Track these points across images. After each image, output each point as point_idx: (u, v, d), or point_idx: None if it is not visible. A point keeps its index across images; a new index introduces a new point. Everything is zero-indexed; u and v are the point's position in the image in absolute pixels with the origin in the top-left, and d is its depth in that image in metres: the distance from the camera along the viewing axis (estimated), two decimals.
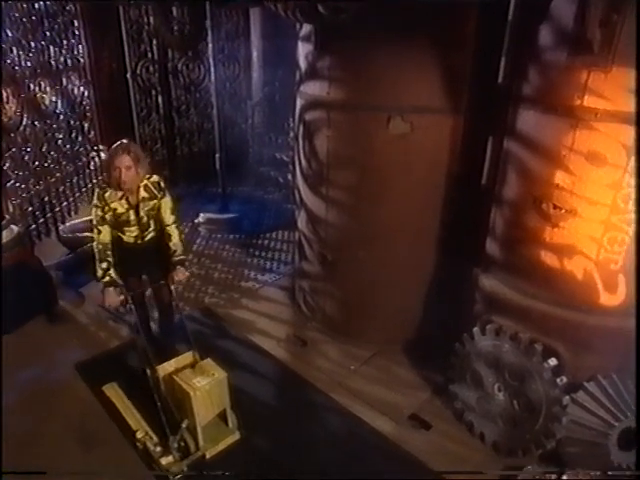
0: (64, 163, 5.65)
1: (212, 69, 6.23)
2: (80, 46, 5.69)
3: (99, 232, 3.11)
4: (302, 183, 3.98)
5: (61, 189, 5.64)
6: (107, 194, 3.04)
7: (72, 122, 5.77)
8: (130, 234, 3.23)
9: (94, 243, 3.15)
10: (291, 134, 6.00)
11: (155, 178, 3.17)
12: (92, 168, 6.06)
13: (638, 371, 2.70)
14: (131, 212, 3.12)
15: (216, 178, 6.57)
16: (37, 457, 2.93)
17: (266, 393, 3.50)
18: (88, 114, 5.98)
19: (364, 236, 3.66)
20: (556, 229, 2.74)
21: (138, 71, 6.22)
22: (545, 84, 2.67)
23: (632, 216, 2.55)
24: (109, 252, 3.13)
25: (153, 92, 6.44)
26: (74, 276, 4.82)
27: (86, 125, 5.99)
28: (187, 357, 3.04)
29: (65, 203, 5.75)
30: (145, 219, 3.19)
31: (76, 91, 5.81)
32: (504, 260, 3.10)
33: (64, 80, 5.60)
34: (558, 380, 2.79)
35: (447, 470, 2.84)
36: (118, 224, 3.16)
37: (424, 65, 3.17)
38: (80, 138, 5.93)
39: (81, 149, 5.95)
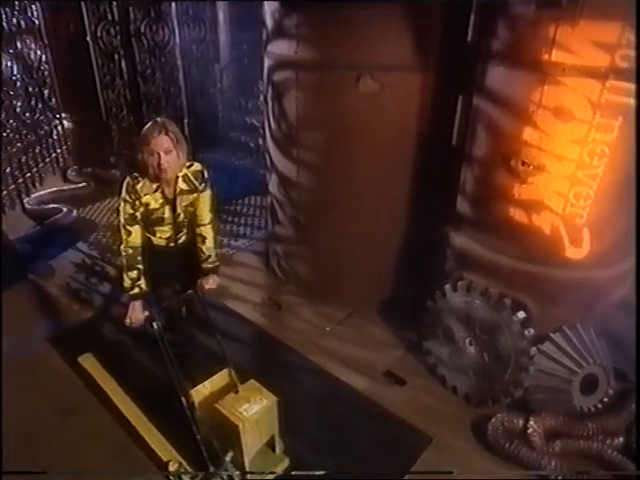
0: (24, 132, 5.45)
1: (177, 31, 6.02)
2: (33, 6, 5.39)
3: (129, 233, 2.58)
4: (272, 146, 3.92)
5: (23, 160, 5.45)
6: (139, 185, 2.50)
7: (30, 89, 5.53)
8: (162, 235, 2.75)
9: (121, 247, 2.62)
10: (261, 98, 5.89)
11: (197, 167, 2.65)
12: (55, 137, 5.86)
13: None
14: (166, 208, 2.63)
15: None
16: (16, 431, 2.89)
17: (243, 357, 3.52)
18: (47, 80, 5.74)
19: (336, 197, 3.66)
20: (524, 185, 2.77)
21: (98, 34, 5.91)
22: (513, 39, 2.65)
23: (597, 171, 2.61)
24: (140, 258, 2.63)
25: (116, 56, 6.14)
26: (43, 249, 4.72)
27: (46, 92, 5.74)
28: (223, 376, 2.66)
29: (29, 174, 5.57)
30: (181, 217, 2.70)
31: (32, 55, 5.54)
32: (474, 218, 3.15)
33: (18, 43, 5.33)
34: (526, 332, 2.88)
35: None
36: (149, 222, 2.67)
37: (393, 22, 3.11)
38: (40, 105, 5.70)
39: (42, 117, 5.73)
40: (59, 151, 5.91)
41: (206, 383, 2.61)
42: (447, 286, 3.20)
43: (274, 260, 4.45)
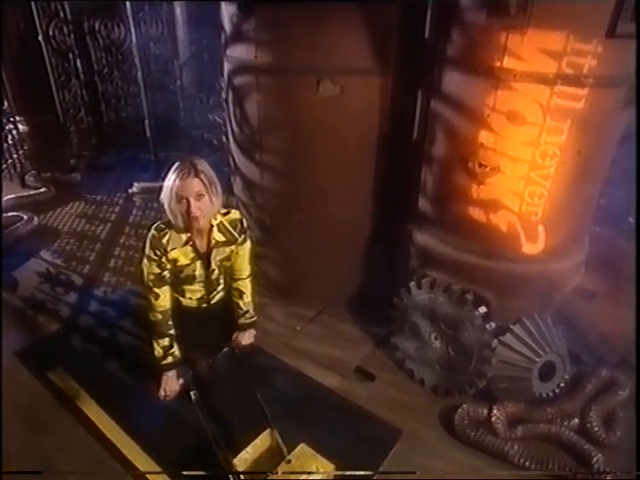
0: None
1: (133, 28, 5.89)
2: None
3: (156, 296, 2.22)
4: (235, 149, 3.93)
5: None
6: (166, 238, 2.14)
7: None
8: (192, 295, 2.38)
9: (149, 313, 2.28)
10: (223, 94, 5.84)
11: (235, 214, 2.29)
12: (10, 142, 5.67)
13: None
14: (198, 264, 2.25)
15: (147, 144, 6.33)
16: None
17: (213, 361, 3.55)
18: None
19: (300, 199, 3.70)
20: (482, 186, 2.88)
21: (51, 32, 5.76)
22: (467, 45, 2.73)
23: (549, 171, 2.74)
24: (171, 322, 2.29)
25: (70, 55, 6.01)
26: (4, 259, 4.56)
27: None
28: (265, 438, 2.42)
29: None
30: (216, 273, 2.33)
31: None
32: (435, 216, 3.25)
33: None
34: (487, 326, 3.02)
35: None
36: (178, 281, 2.30)
37: (351, 25, 3.14)
38: None
39: None
40: (15, 156, 5.73)
41: (248, 448, 2.37)
42: (412, 283, 3.31)
43: None
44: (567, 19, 2.37)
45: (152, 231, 2.17)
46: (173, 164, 2.09)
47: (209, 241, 2.23)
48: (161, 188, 2.11)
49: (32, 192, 5.78)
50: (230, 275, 2.43)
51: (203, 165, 2.09)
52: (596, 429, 2.95)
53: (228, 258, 2.33)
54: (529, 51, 2.49)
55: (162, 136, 6.36)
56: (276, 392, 3.30)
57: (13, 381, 3.31)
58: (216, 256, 2.27)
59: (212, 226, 2.21)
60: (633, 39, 2.41)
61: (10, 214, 5.11)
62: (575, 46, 2.41)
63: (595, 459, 2.80)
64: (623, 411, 3.06)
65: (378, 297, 3.71)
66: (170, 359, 2.33)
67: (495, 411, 3.00)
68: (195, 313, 2.43)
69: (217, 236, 2.24)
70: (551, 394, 3.16)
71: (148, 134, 6.03)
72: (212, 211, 2.14)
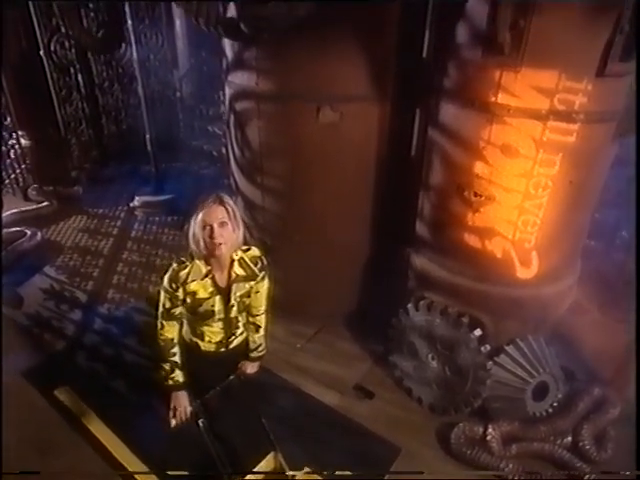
0: None
1: (133, 41, 5.94)
2: None
3: (161, 326, 2.29)
4: (237, 171, 4.01)
5: None
6: (185, 271, 2.16)
7: None
8: (211, 338, 2.40)
9: (157, 337, 2.36)
10: (222, 107, 5.90)
11: (255, 251, 2.33)
12: (13, 156, 5.73)
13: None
14: (217, 298, 2.25)
15: (148, 156, 6.40)
16: None
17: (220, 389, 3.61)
18: (1, 99, 5.59)
19: (301, 221, 3.78)
20: (477, 214, 2.98)
21: (52, 47, 5.83)
22: (463, 80, 2.83)
23: (541, 201, 2.84)
24: (173, 351, 2.34)
25: (71, 69, 6.08)
26: (8, 276, 4.63)
27: None
28: (269, 462, 2.53)
29: None
30: (235, 310, 2.33)
31: None
32: (433, 241, 3.35)
33: None
34: (482, 348, 3.12)
35: None
36: (198, 317, 2.31)
37: (350, 54, 3.22)
38: None
39: None
40: (18, 171, 5.79)
41: (254, 471, 2.49)
42: (410, 305, 3.41)
43: None
44: (559, 59, 2.47)
45: (173, 264, 2.20)
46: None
47: (229, 275, 2.25)
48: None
49: (35, 206, 5.83)
50: (248, 312, 2.47)
51: (229, 199, 2.14)
52: (588, 447, 3.06)
53: (247, 295, 2.35)
54: (522, 88, 2.58)
55: (162, 148, 6.41)
56: (277, 410, 3.38)
57: (20, 400, 3.37)
58: (236, 291, 2.28)
59: (233, 260, 2.25)
60: (621, 78, 2.54)
61: (14, 229, 5.16)
62: (566, 84, 2.51)
63: (587, 477, 2.91)
64: (614, 429, 3.17)
65: (376, 316, 3.81)
66: (171, 382, 2.38)
67: (490, 430, 3.10)
68: (213, 359, 2.46)
69: (238, 270, 2.26)
70: (544, 413, 3.26)
71: (148, 146, 6.08)
72: (234, 241, 2.16)
